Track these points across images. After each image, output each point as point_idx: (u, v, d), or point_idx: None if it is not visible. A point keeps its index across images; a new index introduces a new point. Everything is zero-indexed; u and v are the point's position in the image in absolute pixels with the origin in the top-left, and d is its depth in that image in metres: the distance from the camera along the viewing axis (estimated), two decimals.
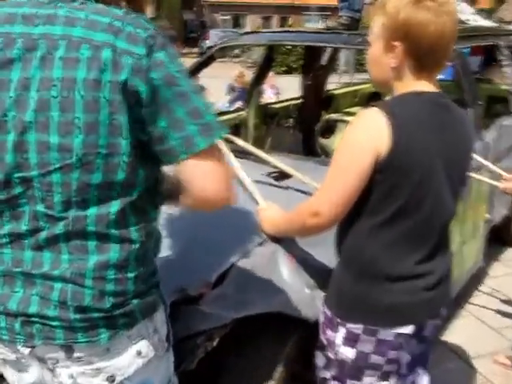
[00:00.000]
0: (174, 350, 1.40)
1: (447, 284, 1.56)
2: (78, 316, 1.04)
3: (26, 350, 1.08)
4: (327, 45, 3.43)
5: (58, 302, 1.03)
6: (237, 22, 39.47)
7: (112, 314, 1.06)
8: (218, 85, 8.63)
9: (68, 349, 1.07)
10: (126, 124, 0.97)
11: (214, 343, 1.59)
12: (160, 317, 1.20)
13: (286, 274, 1.77)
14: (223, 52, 3.49)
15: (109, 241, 1.04)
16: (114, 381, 1.11)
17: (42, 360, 1.11)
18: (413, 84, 1.40)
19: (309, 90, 4.28)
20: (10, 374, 1.19)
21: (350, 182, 1.35)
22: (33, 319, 1.05)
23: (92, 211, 1.01)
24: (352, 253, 1.48)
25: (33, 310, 1.04)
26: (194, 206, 1.16)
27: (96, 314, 1.05)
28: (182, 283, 1.62)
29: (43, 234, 1.02)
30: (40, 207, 1.01)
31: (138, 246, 1.08)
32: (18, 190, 1.01)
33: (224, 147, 1.67)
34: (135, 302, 1.10)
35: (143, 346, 1.13)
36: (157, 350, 1.17)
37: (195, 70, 3.42)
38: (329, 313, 1.54)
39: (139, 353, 1.12)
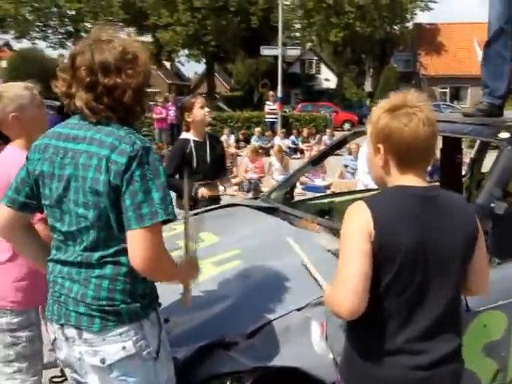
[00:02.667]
0: None
1: (449, 369, 1.64)
2: (82, 307, 1.64)
3: (57, 326, 1.70)
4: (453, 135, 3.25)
5: (74, 298, 1.65)
6: (457, 95, 38.46)
7: (105, 309, 1.62)
8: None
9: (79, 331, 1.65)
10: (114, 203, 1.59)
11: None
12: (150, 331, 1.70)
13: (315, 338, 2.02)
14: (357, 136, 3.83)
15: (106, 263, 1.64)
16: (104, 362, 1.64)
17: (67, 339, 1.69)
18: (399, 179, 1.63)
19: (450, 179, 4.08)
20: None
21: (357, 266, 1.54)
22: (61, 305, 1.68)
23: (97, 254, 1.64)
24: (356, 322, 1.65)
25: (61, 299, 1.68)
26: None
27: (94, 307, 1.62)
28: (223, 331, 2.00)
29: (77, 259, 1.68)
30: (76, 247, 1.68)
31: (125, 268, 1.64)
32: (67, 236, 1.69)
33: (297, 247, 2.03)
34: (122, 306, 1.63)
35: (129, 344, 1.64)
36: (140, 351, 1.66)
37: (327, 153, 3.83)
38: (339, 377, 1.76)
39: (124, 347, 1.64)
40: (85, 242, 1.64)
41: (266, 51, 19.40)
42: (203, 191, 3.70)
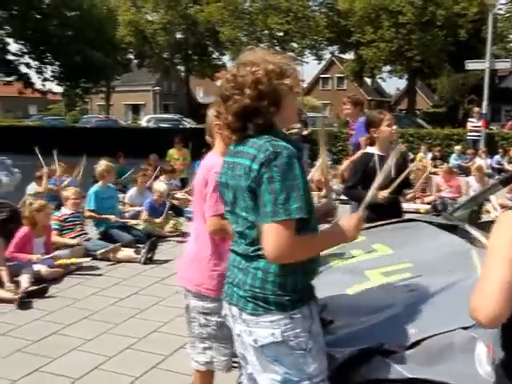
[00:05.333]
0: None
1: None
2: (241, 291, 1.90)
3: (227, 305, 1.99)
4: None
5: (237, 283, 1.93)
6: None
7: (257, 295, 1.86)
8: None
9: (240, 312, 1.91)
10: (256, 203, 1.82)
11: None
12: (301, 324, 1.86)
13: (480, 360, 1.94)
14: None
15: (260, 256, 1.86)
16: (256, 343, 1.87)
17: (233, 317, 1.96)
18: None
19: None
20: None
21: (501, 273, 1.45)
22: (230, 286, 1.99)
23: (253, 248, 1.89)
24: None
25: (229, 281, 2.00)
26: None
27: (249, 293, 1.87)
28: (383, 339, 2.05)
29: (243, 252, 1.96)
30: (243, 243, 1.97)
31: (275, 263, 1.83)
32: (239, 235, 1.98)
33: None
34: (271, 296, 1.84)
35: (277, 332, 1.84)
36: (287, 340, 1.83)
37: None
38: None
39: (272, 334, 1.85)
40: (248, 239, 1.91)
41: (471, 65, 18.25)
42: (383, 194, 3.60)
